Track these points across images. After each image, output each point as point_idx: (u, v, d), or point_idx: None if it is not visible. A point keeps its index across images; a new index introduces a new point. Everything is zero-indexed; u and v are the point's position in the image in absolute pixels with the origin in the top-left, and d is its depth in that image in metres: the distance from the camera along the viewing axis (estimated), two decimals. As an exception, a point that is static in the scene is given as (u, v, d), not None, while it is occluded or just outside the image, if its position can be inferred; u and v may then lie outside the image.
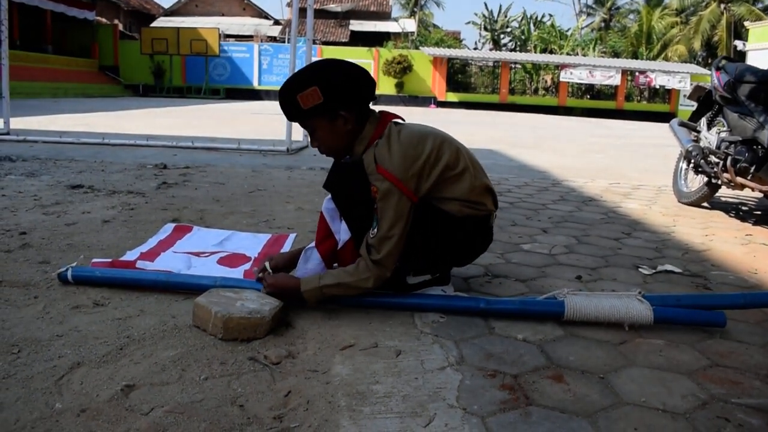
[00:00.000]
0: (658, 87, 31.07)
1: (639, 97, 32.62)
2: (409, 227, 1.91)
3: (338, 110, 1.88)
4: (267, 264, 2.09)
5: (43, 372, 1.49)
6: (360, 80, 1.92)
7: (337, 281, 1.90)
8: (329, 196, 2.08)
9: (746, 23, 27.67)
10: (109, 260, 2.35)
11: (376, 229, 1.87)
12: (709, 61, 36.39)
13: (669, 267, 2.73)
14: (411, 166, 1.86)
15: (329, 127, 1.92)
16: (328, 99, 1.85)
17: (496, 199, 2.10)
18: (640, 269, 2.70)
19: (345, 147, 1.99)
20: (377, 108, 2.04)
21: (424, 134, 1.96)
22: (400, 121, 2.03)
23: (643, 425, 1.37)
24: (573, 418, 1.39)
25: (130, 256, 2.47)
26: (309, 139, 2.02)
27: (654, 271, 2.68)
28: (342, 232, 2.05)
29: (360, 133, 1.95)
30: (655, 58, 35.17)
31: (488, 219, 2.08)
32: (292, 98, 1.88)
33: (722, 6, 34.10)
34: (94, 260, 2.35)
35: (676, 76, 29.94)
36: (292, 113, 1.94)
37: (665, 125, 5.58)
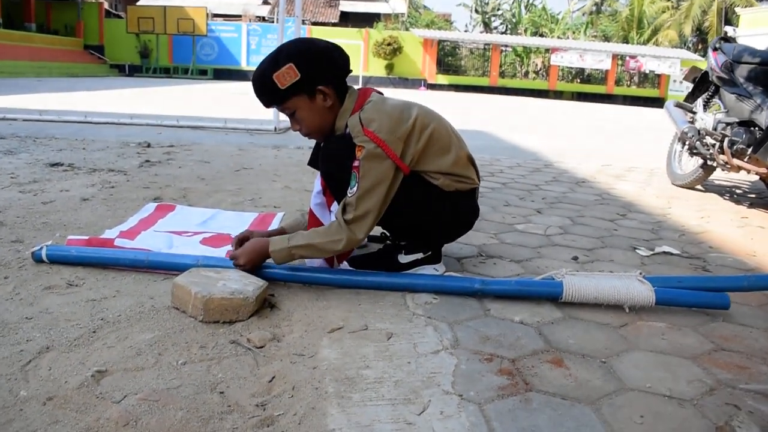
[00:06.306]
0: (648, 72, 31.06)
1: (629, 82, 32.57)
2: (392, 196, 1.86)
3: (317, 86, 1.83)
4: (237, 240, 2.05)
5: (9, 357, 1.39)
6: (333, 53, 1.88)
7: (307, 242, 1.84)
8: (315, 191, 2.05)
9: (737, 9, 27.59)
10: (86, 238, 2.24)
11: (355, 188, 1.81)
12: (700, 46, 36.44)
13: (667, 248, 2.66)
14: (397, 129, 1.82)
15: (309, 105, 1.87)
16: (306, 74, 1.80)
17: (478, 171, 2.08)
18: (637, 250, 2.63)
19: (327, 125, 1.92)
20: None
21: (409, 103, 1.96)
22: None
23: (650, 413, 1.30)
24: (575, 404, 1.31)
25: (108, 234, 2.36)
26: (290, 123, 1.94)
27: (652, 252, 2.61)
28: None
29: (340, 108, 1.90)
30: (645, 43, 35.04)
31: (474, 192, 2.06)
32: (268, 80, 1.81)
33: (713, -9, 33.98)
34: (70, 237, 2.24)
35: (667, 61, 29.92)
36: (269, 96, 1.87)
37: (655, 110, 5.52)
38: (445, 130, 1.96)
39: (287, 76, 1.79)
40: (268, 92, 1.85)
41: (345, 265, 2.06)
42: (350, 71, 1.92)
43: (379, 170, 1.80)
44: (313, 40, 1.90)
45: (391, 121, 1.81)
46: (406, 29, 32.50)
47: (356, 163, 1.80)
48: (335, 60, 1.87)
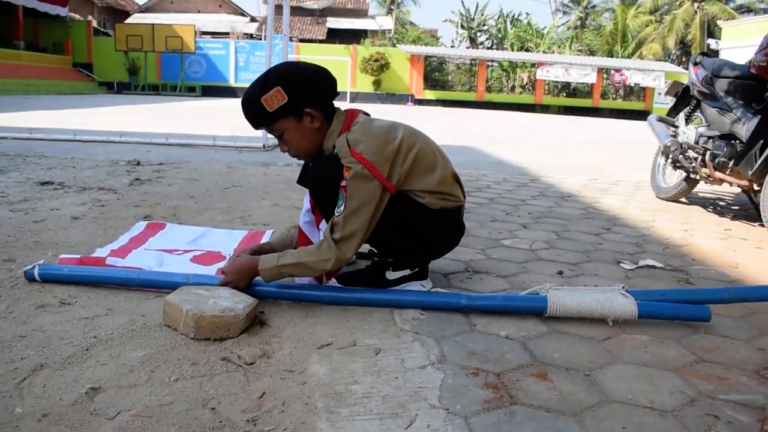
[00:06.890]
0: (633, 85, 31.37)
1: (614, 95, 32.90)
2: (379, 216, 1.89)
3: (304, 108, 1.88)
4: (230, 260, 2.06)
5: (4, 375, 1.41)
6: (320, 76, 1.93)
7: (296, 260, 1.87)
8: (304, 209, 2.08)
9: (719, 22, 28.03)
10: (78, 257, 2.26)
11: (342, 208, 1.84)
12: (683, 59, 36.85)
13: (650, 262, 2.71)
14: (384, 150, 1.86)
15: (297, 127, 1.91)
16: (293, 97, 1.85)
17: (463, 188, 2.13)
18: (621, 264, 2.67)
19: (315, 146, 1.97)
20: (354, 106, 2.02)
21: (396, 124, 2.01)
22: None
23: (632, 424, 1.33)
24: (559, 417, 1.35)
25: (100, 253, 2.38)
26: (279, 145, 1.99)
27: (636, 266, 2.65)
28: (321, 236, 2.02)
29: (328, 130, 1.95)
30: (630, 57, 35.46)
31: (460, 210, 2.10)
32: (256, 103, 1.86)
33: (696, 5, 34.46)
34: (62, 256, 2.25)
35: (651, 74, 30.24)
36: (258, 119, 1.92)
37: (641, 123, 5.61)
38: (431, 150, 2.00)
39: (275, 99, 1.84)
40: (256, 115, 1.89)
41: (333, 281, 2.09)
42: (337, 93, 1.97)
43: (366, 191, 1.83)
44: (300, 64, 1.96)
45: (377, 142, 1.85)
46: (393, 45, 32.72)
47: (344, 183, 1.84)
48: (322, 83, 1.92)
